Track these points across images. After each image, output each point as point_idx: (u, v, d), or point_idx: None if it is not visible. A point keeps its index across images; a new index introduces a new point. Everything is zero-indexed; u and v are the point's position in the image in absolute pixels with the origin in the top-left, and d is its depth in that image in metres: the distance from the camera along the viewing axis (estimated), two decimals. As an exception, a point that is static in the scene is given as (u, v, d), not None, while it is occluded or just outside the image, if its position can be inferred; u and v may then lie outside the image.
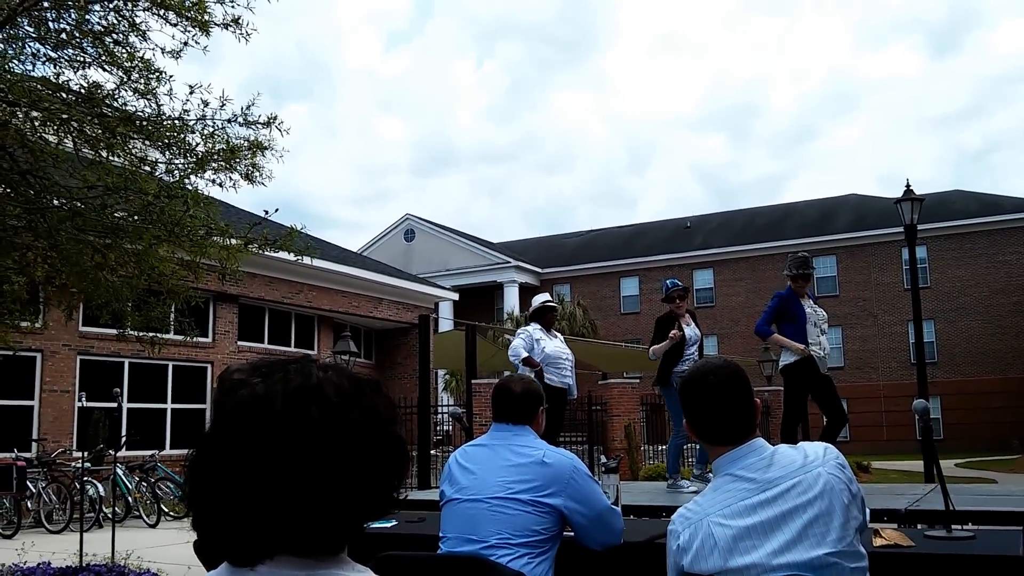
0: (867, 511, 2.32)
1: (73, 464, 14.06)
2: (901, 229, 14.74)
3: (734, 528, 2.18)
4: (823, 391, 7.02)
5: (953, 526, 3.59)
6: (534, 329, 7.64)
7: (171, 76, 5.36)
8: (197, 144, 5.41)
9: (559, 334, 7.87)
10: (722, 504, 2.23)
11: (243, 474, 1.09)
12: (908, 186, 14.80)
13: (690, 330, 7.65)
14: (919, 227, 14.75)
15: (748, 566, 2.13)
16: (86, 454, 13.70)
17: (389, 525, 3.99)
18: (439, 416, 20.88)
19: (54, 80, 5.46)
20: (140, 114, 5.33)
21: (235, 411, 1.13)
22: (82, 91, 5.31)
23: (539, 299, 7.98)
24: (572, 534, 3.01)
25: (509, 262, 44.36)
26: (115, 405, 9.91)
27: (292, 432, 1.10)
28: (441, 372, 33.42)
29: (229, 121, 5.38)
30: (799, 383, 7.04)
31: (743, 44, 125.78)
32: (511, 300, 43.70)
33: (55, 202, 5.38)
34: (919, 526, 4.48)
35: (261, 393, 1.14)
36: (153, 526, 12.92)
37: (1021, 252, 36.36)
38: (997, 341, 35.94)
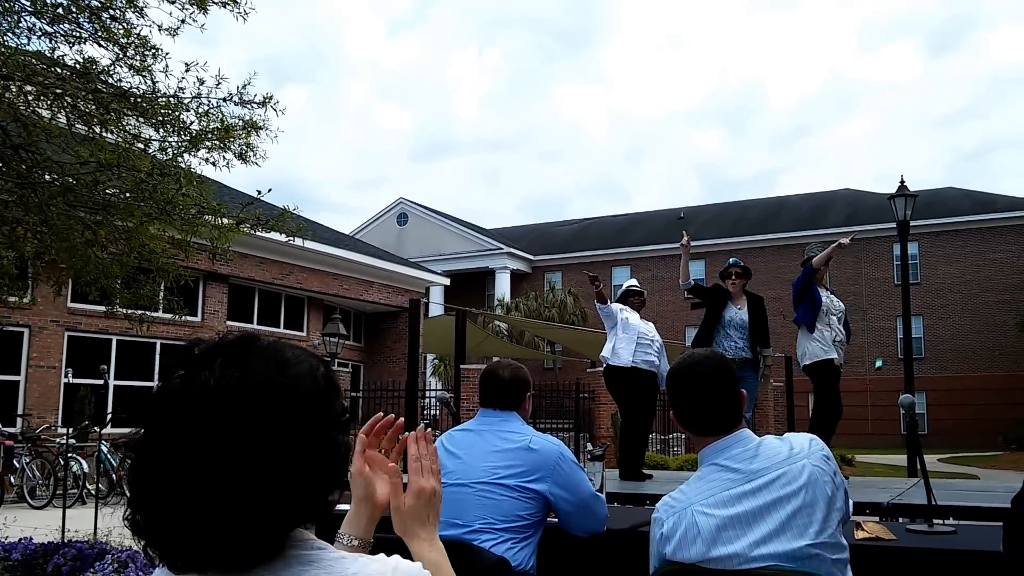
0: (850, 504, 2.34)
1: (58, 440, 14.03)
2: (893, 225, 14.78)
3: (718, 517, 2.19)
4: (819, 382, 7.08)
5: (935, 520, 3.62)
6: (620, 307, 7.28)
7: (167, 53, 5.32)
8: (191, 122, 5.38)
9: (651, 323, 7.46)
10: (707, 493, 2.25)
11: (162, 476, 1.05)
12: (902, 182, 14.82)
13: (734, 312, 7.38)
14: (911, 223, 14.79)
15: (730, 555, 2.15)
16: (71, 430, 13.70)
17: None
18: (427, 400, 20.90)
19: (49, 55, 5.42)
20: (135, 91, 5.29)
21: (156, 408, 1.09)
22: (77, 66, 5.27)
23: (625, 284, 7.79)
24: (556, 520, 3.03)
25: (501, 248, 44.30)
26: (101, 382, 9.88)
27: (210, 433, 1.05)
28: (430, 357, 33.46)
29: (224, 100, 5.35)
30: (828, 377, 7.03)
31: (745, 40, 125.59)
32: (502, 287, 43.67)
33: (47, 177, 5.35)
34: (901, 519, 4.52)
35: (177, 387, 1.08)
36: (138, 504, 12.88)
37: (1011, 250, 36.50)
38: (984, 338, 36.12)
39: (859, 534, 3.30)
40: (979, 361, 36.12)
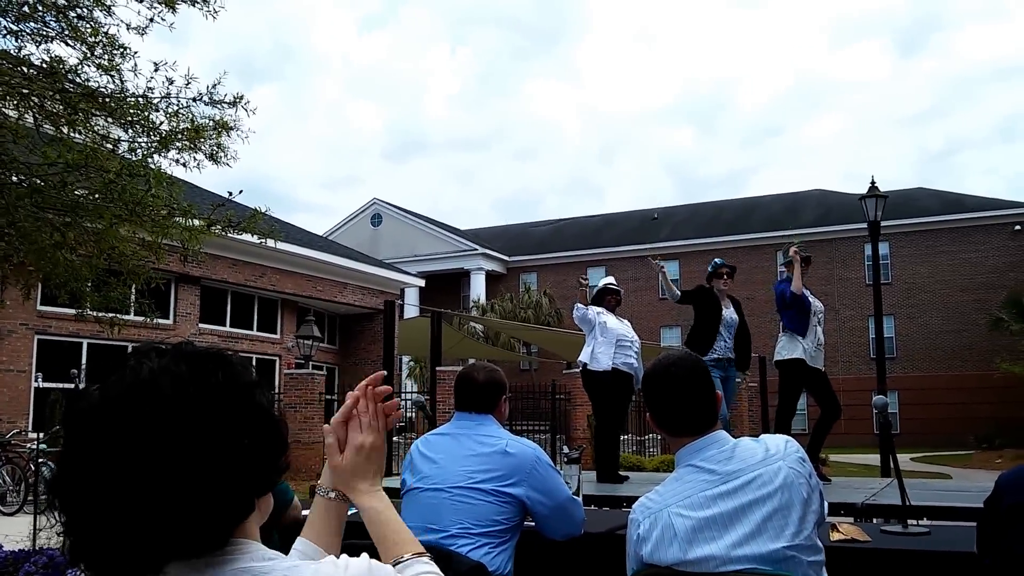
0: (825, 506, 2.34)
1: (28, 445, 13.83)
2: (865, 225, 14.89)
3: (694, 519, 2.18)
4: (818, 385, 7.08)
5: (909, 521, 3.64)
6: (597, 311, 7.32)
7: (136, 52, 5.25)
8: (161, 123, 5.31)
9: (626, 320, 7.55)
10: (683, 495, 2.24)
11: (106, 485, 1.04)
12: (873, 183, 14.94)
13: (727, 313, 7.49)
14: (882, 223, 14.91)
15: (707, 557, 2.14)
16: (42, 435, 13.51)
17: (348, 513, 3.96)
18: (402, 403, 20.80)
19: (15, 54, 5.33)
20: (103, 90, 5.22)
21: (71, 423, 1.09)
22: (44, 66, 5.19)
23: (601, 281, 7.77)
24: (533, 524, 3.01)
25: (476, 249, 44.26)
26: (73, 386, 9.75)
27: (131, 435, 1.04)
28: (405, 359, 33.33)
29: (194, 100, 5.29)
30: (794, 378, 7.09)
31: (715, 39, 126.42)
32: (478, 288, 43.63)
33: (14, 179, 5.26)
34: (875, 520, 4.54)
35: (94, 403, 1.09)
36: (110, 509, 12.74)
37: (981, 250, 36.94)
38: (955, 338, 36.52)
39: (834, 535, 3.31)
40: (951, 360, 36.52)
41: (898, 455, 4.01)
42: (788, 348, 7.08)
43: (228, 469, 1.08)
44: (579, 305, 7.26)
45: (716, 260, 7.80)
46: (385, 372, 1.62)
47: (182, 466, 1.04)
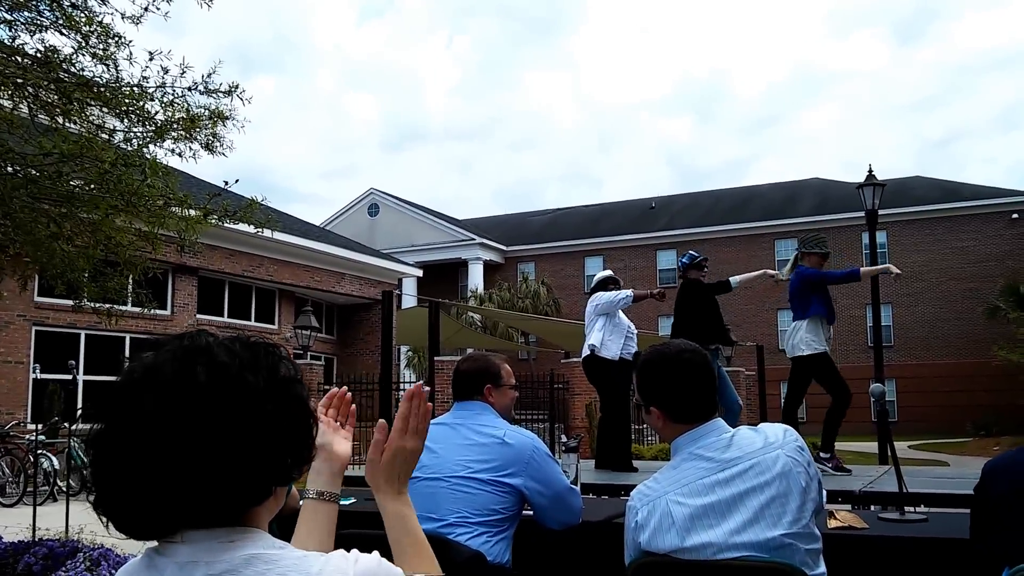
0: (824, 494, 2.34)
1: (27, 437, 13.83)
2: (862, 214, 14.87)
3: (692, 507, 2.19)
4: (828, 372, 6.88)
5: (906, 508, 3.64)
6: None
7: (131, 42, 5.21)
8: (156, 112, 5.27)
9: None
10: (681, 482, 2.25)
11: (139, 444, 1.08)
12: (871, 171, 14.92)
13: None
14: (880, 212, 14.90)
15: (704, 545, 2.15)
16: (40, 427, 13.51)
17: (347, 503, 3.96)
18: (400, 393, 20.84)
19: (9, 43, 5.30)
20: (98, 80, 5.19)
21: (126, 383, 1.13)
22: (38, 55, 5.16)
23: (601, 275, 7.75)
24: (531, 513, 3.01)
25: (474, 239, 44.21)
26: (70, 377, 9.75)
27: (181, 396, 1.09)
28: (404, 349, 33.36)
29: (189, 89, 5.25)
30: (814, 372, 6.82)
31: (713, 28, 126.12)
32: (475, 278, 43.60)
33: (9, 169, 5.24)
34: (873, 507, 4.55)
35: (150, 363, 1.13)
36: (109, 500, 12.74)
37: (978, 238, 36.95)
38: (952, 326, 36.56)
39: (832, 523, 3.32)
40: (947, 348, 36.57)
41: (895, 443, 4.02)
42: (813, 340, 6.74)
43: (257, 449, 1.12)
44: (627, 299, 7.23)
45: (691, 252, 7.89)
46: (341, 389, 1.70)
47: (217, 433, 1.09)
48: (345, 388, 1.69)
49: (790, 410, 6.99)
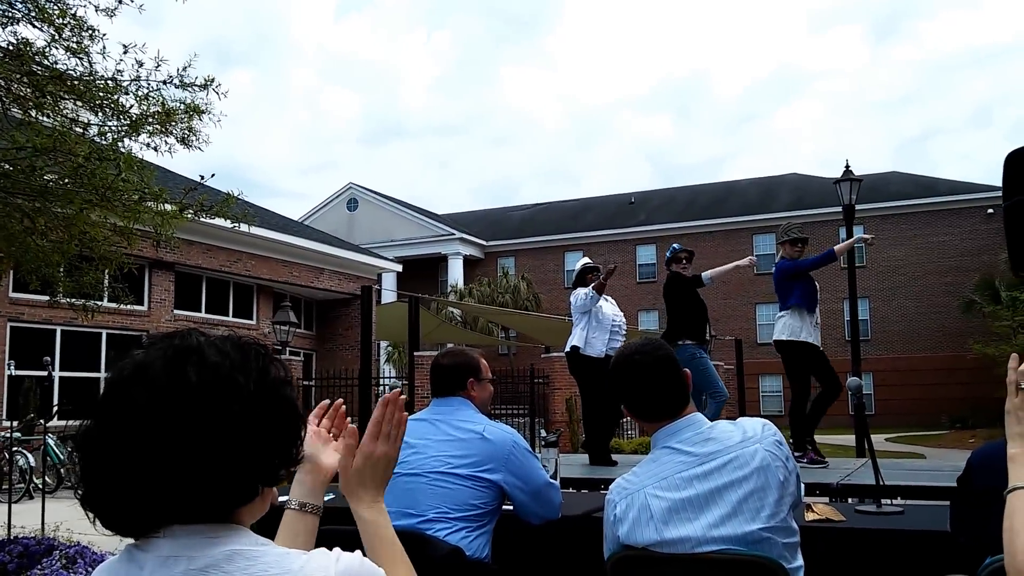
0: (802, 488, 2.35)
1: (2, 434, 13.69)
2: (839, 209, 14.97)
3: (670, 500, 2.19)
4: (819, 363, 6.96)
5: (883, 500, 3.67)
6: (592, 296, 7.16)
7: (104, 35, 5.16)
8: (131, 106, 5.22)
9: (610, 298, 7.47)
10: (659, 476, 2.25)
11: (128, 443, 1.08)
12: (847, 167, 15.02)
13: None
14: (857, 207, 15.00)
15: (683, 538, 2.15)
16: (16, 424, 13.39)
17: (326, 498, 3.94)
18: (380, 388, 20.79)
19: (-20, 36, 5.23)
20: (71, 73, 5.13)
21: (116, 381, 1.14)
22: (10, 48, 5.09)
23: (579, 264, 7.63)
24: (511, 508, 3.01)
25: (454, 234, 44.13)
26: (46, 374, 9.65)
27: (171, 395, 1.09)
28: (383, 344, 33.26)
29: (164, 83, 5.20)
30: (803, 359, 6.92)
31: (692, 27, 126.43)
32: (455, 273, 43.53)
33: (-19, 163, 5.18)
34: (850, 500, 4.58)
35: (140, 362, 1.14)
36: (85, 497, 12.63)
37: (954, 233, 37.27)
38: (929, 320, 36.89)
39: (809, 515, 3.34)
40: (924, 342, 36.89)
41: (872, 436, 4.04)
42: (795, 328, 6.92)
43: (245, 449, 1.12)
44: (594, 295, 7.11)
45: (674, 246, 7.86)
46: (334, 401, 1.69)
47: (206, 433, 1.09)
48: (340, 400, 1.67)
49: (799, 404, 7.00)
